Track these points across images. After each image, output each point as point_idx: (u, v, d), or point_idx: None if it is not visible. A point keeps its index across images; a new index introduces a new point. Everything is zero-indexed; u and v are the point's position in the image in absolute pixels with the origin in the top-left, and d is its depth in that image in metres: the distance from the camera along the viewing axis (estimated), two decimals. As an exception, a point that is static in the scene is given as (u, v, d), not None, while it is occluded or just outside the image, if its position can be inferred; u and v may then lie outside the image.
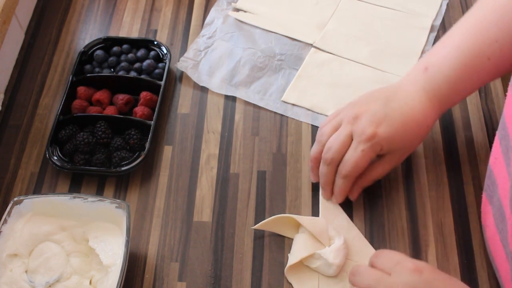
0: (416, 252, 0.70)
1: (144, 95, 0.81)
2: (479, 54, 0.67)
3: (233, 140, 0.80)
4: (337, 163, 0.69)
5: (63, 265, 0.67)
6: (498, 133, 0.63)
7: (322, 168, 0.71)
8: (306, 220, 0.70)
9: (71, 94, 0.83)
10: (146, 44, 0.88)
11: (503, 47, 0.66)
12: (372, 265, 0.62)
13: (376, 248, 0.71)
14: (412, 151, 0.72)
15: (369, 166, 0.70)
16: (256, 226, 0.71)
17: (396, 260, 0.60)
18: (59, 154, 0.77)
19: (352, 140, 0.68)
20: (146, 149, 0.77)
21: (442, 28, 0.91)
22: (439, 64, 0.69)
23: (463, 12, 0.92)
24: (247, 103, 0.83)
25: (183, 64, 0.86)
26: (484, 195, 0.68)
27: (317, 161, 0.72)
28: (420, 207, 0.73)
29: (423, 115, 0.69)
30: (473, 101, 0.82)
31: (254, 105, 0.83)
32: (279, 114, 0.82)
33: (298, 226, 0.71)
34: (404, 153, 0.71)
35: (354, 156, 0.68)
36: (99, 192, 0.76)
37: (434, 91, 0.69)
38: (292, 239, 0.71)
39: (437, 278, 0.58)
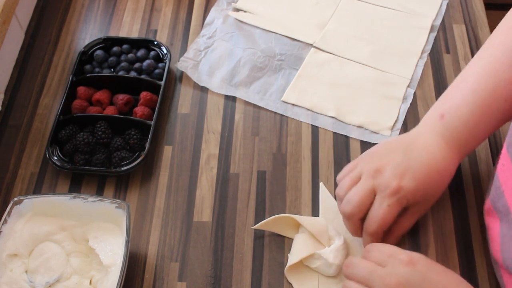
0: (416, 252, 0.70)
1: (144, 95, 0.81)
2: (496, 97, 0.66)
3: (233, 140, 0.80)
4: (358, 217, 0.66)
5: (63, 265, 0.67)
6: (506, 140, 0.63)
7: (345, 223, 0.68)
8: (306, 220, 0.70)
9: (71, 94, 0.83)
10: (146, 44, 0.88)
11: None
12: (365, 258, 0.62)
13: (376, 248, 0.71)
14: (436, 200, 0.69)
15: (395, 222, 0.67)
16: (256, 226, 0.71)
17: (389, 252, 0.59)
18: (59, 154, 0.77)
19: (375, 195, 0.65)
20: (146, 149, 0.77)
21: (442, 28, 0.91)
22: (455, 110, 0.67)
23: (463, 12, 0.92)
24: (247, 103, 0.83)
25: (183, 64, 0.86)
26: (488, 200, 0.67)
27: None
28: (420, 207, 0.73)
29: (443, 163, 0.67)
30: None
31: (254, 105, 0.83)
32: (279, 114, 0.82)
33: (298, 226, 0.71)
34: (428, 203, 0.68)
35: (380, 212, 0.64)
36: (99, 192, 0.76)
37: (453, 137, 0.67)
38: (292, 239, 0.71)
39: (431, 269, 0.57)
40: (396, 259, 0.58)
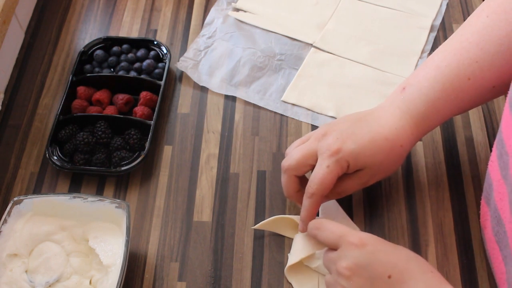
0: (416, 252, 0.70)
1: (144, 95, 0.81)
2: (458, 74, 0.66)
3: (233, 140, 0.80)
4: (294, 173, 0.67)
5: (63, 265, 0.67)
6: (497, 137, 0.63)
7: (282, 177, 0.69)
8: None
9: (71, 94, 0.83)
10: (146, 44, 0.88)
11: (483, 67, 0.65)
12: (315, 236, 0.63)
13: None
14: (388, 173, 0.69)
15: (337, 180, 0.67)
16: (256, 226, 0.71)
17: (340, 233, 0.60)
18: (59, 154, 0.77)
19: (315, 158, 0.66)
20: (146, 149, 0.77)
21: (442, 28, 0.91)
22: (416, 83, 0.67)
23: (463, 12, 0.92)
24: (247, 103, 0.83)
25: (183, 64, 0.86)
26: (482, 197, 0.68)
27: None
28: (420, 207, 0.73)
29: (394, 133, 0.66)
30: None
31: (254, 105, 0.83)
32: (279, 114, 0.82)
33: (298, 226, 0.71)
34: (376, 172, 0.67)
35: (319, 173, 0.65)
36: (99, 192, 0.76)
37: (410, 110, 0.67)
38: (292, 239, 0.71)
39: (380, 249, 0.58)
40: (346, 241, 0.59)
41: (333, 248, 0.61)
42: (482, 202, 0.68)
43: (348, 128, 0.67)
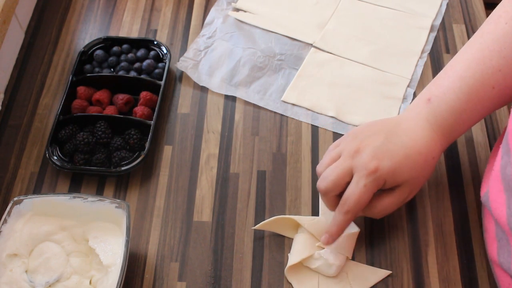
0: (416, 252, 0.70)
1: (144, 95, 0.81)
2: (483, 84, 0.66)
3: (233, 140, 0.80)
4: (333, 194, 0.67)
5: (63, 265, 0.67)
6: (501, 147, 0.63)
7: (321, 198, 0.69)
8: (306, 220, 0.70)
9: (71, 94, 0.83)
10: (146, 44, 0.88)
11: (506, 76, 0.65)
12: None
13: (375, 248, 0.70)
14: (421, 185, 0.69)
15: (377, 197, 0.67)
16: (256, 227, 0.71)
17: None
18: (59, 154, 0.77)
19: (352, 176, 0.66)
20: (146, 149, 0.77)
21: (442, 28, 0.91)
22: (442, 95, 0.67)
23: (463, 12, 0.92)
24: (247, 103, 0.83)
25: (183, 64, 0.86)
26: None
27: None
28: (420, 207, 0.73)
29: (426, 147, 0.67)
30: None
31: (254, 105, 0.83)
32: (279, 114, 0.82)
33: (298, 226, 0.71)
34: (412, 187, 0.67)
35: (355, 192, 0.64)
36: (99, 192, 0.76)
37: (438, 122, 0.67)
38: (292, 239, 0.71)
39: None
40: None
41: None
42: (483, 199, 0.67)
43: (382, 144, 0.66)
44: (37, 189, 0.76)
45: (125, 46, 0.88)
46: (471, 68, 0.66)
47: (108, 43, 0.88)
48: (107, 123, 0.78)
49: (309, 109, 0.82)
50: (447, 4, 0.93)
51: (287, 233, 0.72)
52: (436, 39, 0.90)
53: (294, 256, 0.68)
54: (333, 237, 0.67)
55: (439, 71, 0.86)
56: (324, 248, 0.68)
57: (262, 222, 0.71)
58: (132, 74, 0.85)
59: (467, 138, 0.79)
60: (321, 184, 0.67)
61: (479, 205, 0.73)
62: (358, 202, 0.65)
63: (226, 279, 0.69)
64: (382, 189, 0.66)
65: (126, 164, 0.76)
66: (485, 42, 0.67)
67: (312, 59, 0.87)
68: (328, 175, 0.66)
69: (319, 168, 0.69)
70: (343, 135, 0.79)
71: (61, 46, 0.91)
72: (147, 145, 0.77)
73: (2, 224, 0.66)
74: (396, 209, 0.68)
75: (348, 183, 0.66)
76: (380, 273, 0.69)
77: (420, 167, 0.66)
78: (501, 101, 0.67)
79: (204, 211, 0.74)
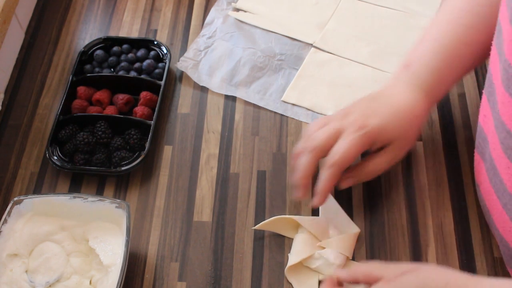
0: (416, 252, 0.70)
1: (144, 95, 0.81)
2: (458, 41, 0.68)
3: (233, 140, 0.80)
4: (319, 153, 0.66)
5: (63, 265, 0.67)
6: (485, 91, 0.65)
7: (302, 158, 0.67)
8: (306, 220, 0.70)
9: (71, 94, 0.83)
10: (146, 44, 0.88)
11: (479, 32, 0.68)
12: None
13: (376, 248, 0.71)
14: (411, 144, 0.70)
15: (367, 158, 0.68)
16: (257, 227, 0.71)
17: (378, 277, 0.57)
18: (59, 154, 0.77)
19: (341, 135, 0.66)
20: (146, 149, 0.77)
21: (442, 28, 0.91)
22: (420, 59, 0.70)
23: (463, 12, 0.92)
24: (247, 103, 0.83)
25: (183, 64, 0.86)
26: (476, 153, 0.69)
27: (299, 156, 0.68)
28: (420, 207, 0.73)
29: (411, 105, 0.68)
30: (473, 102, 0.82)
31: (254, 105, 0.83)
32: (279, 114, 0.82)
33: (298, 226, 0.71)
34: (401, 145, 0.69)
35: (342, 145, 0.65)
36: (99, 192, 0.76)
37: (419, 83, 0.69)
38: (292, 239, 0.71)
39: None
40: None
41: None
42: (476, 157, 0.69)
43: (369, 105, 0.68)
44: (37, 189, 0.76)
45: (125, 46, 0.88)
46: (444, 28, 0.69)
47: (108, 43, 0.88)
48: (107, 123, 0.78)
49: (309, 109, 0.82)
50: (447, 4, 0.93)
51: (287, 233, 0.72)
52: (436, 39, 0.90)
53: (294, 256, 0.68)
54: (320, 195, 0.67)
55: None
56: (324, 248, 0.68)
57: (262, 222, 0.71)
58: (132, 74, 0.85)
59: (467, 138, 0.79)
60: (311, 142, 0.67)
61: (479, 205, 0.73)
62: (344, 154, 0.65)
63: (226, 279, 0.69)
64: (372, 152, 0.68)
65: (126, 164, 0.76)
66: (455, 4, 0.69)
67: (312, 59, 0.87)
68: (317, 135, 0.67)
69: (307, 131, 0.69)
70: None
71: (61, 46, 0.91)
72: (147, 145, 0.77)
73: (2, 224, 0.66)
74: (385, 170, 0.69)
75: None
76: (380, 273, 0.69)
77: (408, 125, 0.68)
78: (478, 57, 0.70)
79: (204, 211, 0.74)
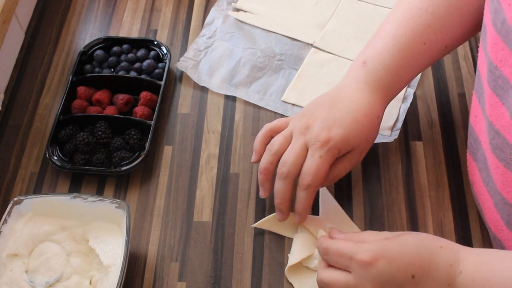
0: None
1: (144, 95, 0.81)
2: (415, 40, 0.69)
3: (233, 140, 0.80)
4: (293, 177, 0.67)
5: (63, 265, 0.67)
6: (475, 92, 0.65)
7: (278, 185, 0.68)
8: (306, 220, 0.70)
9: (71, 94, 0.83)
10: (146, 44, 0.88)
11: (435, 31, 0.69)
12: (327, 262, 0.62)
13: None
14: (370, 145, 0.71)
15: (332, 165, 0.68)
16: (256, 224, 0.71)
17: (348, 256, 0.59)
18: (59, 154, 0.77)
19: (308, 151, 0.67)
20: (146, 149, 0.77)
21: (442, 28, 0.91)
22: (377, 56, 0.70)
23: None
24: (247, 103, 0.83)
25: (183, 64, 0.86)
26: (468, 153, 0.69)
27: (268, 172, 0.69)
28: (420, 207, 0.73)
29: (370, 108, 0.69)
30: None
31: (254, 105, 0.83)
32: (279, 114, 0.82)
33: (297, 225, 0.71)
34: (363, 149, 0.70)
35: (313, 165, 0.66)
36: (99, 192, 0.76)
37: (376, 82, 0.70)
38: (292, 239, 0.71)
39: (392, 257, 0.57)
40: (358, 263, 0.58)
41: (345, 269, 0.60)
42: (468, 158, 0.69)
43: (329, 114, 0.68)
44: (37, 189, 0.76)
45: (125, 46, 0.88)
46: (402, 26, 0.69)
47: (108, 43, 0.88)
48: (107, 123, 0.78)
49: (309, 109, 0.82)
50: (447, 4, 0.93)
51: (287, 233, 0.72)
52: (436, 39, 0.89)
53: (294, 256, 0.68)
54: (301, 215, 0.68)
55: (439, 71, 0.86)
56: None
57: (262, 219, 0.71)
58: (132, 74, 0.85)
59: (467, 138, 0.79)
60: (283, 169, 0.67)
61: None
62: (317, 174, 0.66)
63: (226, 279, 0.69)
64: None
65: (126, 164, 0.76)
66: (413, 1, 0.70)
67: (312, 59, 0.87)
68: (287, 158, 0.67)
69: (271, 146, 0.69)
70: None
71: (61, 46, 0.91)
72: (147, 145, 0.77)
73: (2, 224, 0.66)
74: (347, 172, 0.70)
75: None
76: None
77: (368, 129, 0.69)
78: (434, 55, 0.71)
79: (204, 211, 0.74)
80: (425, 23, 0.69)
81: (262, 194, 0.70)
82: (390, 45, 0.69)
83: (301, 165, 0.67)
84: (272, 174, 0.69)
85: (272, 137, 0.70)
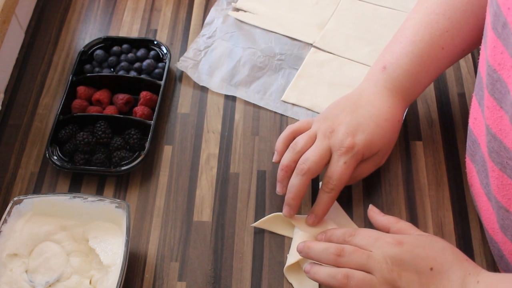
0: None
1: (144, 94, 0.81)
2: (433, 45, 0.70)
3: (233, 140, 0.80)
4: (312, 175, 0.68)
5: (63, 265, 0.67)
6: (475, 95, 0.66)
7: (295, 180, 0.68)
8: (305, 219, 0.70)
9: (71, 94, 0.83)
10: (146, 44, 0.88)
11: (453, 36, 0.70)
12: (349, 243, 0.63)
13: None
14: (392, 148, 0.73)
15: (356, 168, 0.70)
16: (256, 224, 0.71)
17: (375, 237, 0.61)
18: (59, 153, 0.77)
19: (331, 154, 0.69)
20: (146, 149, 0.77)
21: (442, 28, 0.91)
22: (396, 61, 0.72)
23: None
24: (247, 102, 0.83)
25: (183, 64, 0.86)
26: (466, 156, 0.70)
27: (289, 169, 0.69)
28: (420, 207, 0.73)
29: (391, 112, 0.71)
30: (473, 101, 0.82)
31: (254, 105, 0.83)
32: (279, 113, 0.82)
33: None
34: (385, 152, 0.72)
35: (337, 170, 0.68)
36: (99, 191, 0.76)
37: (395, 87, 0.72)
38: (292, 239, 0.71)
39: (417, 245, 0.60)
40: (383, 242, 0.60)
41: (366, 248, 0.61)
42: (467, 160, 0.70)
43: (352, 119, 0.70)
44: (37, 189, 0.76)
45: (125, 46, 0.88)
46: (420, 32, 0.71)
47: (108, 43, 0.88)
48: (107, 123, 0.78)
49: (309, 109, 0.82)
50: (447, 4, 0.93)
51: (286, 232, 0.72)
52: (436, 39, 0.89)
53: (292, 256, 0.68)
54: (318, 217, 0.69)
55: (439, 71, 0.86)
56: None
57: (262, 219, 0.71)
58: (132, 74, 0.85)
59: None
60: (303, 165, 0.68)
61: (479, 205, 0.73)
62: (341, 179, 0.68)
63: (226, 279, 0.69)
64: None
65: (126, 164, 0.76)
66: (430, 7, 0.71)
67: (312, 59, 0.87)
68: (309, 155, 0.68)
69: (294, 144, 0.70)
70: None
71: (61, 46, 0.91)
72: (147, 145, 0.77)
73: (2, 224, 0.66)
74: (370, 173, 0.72)
75: (327, 164, 0.69)
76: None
77: (390, 133, 0.71)
78: (452, 59, 0.73)
79: (204, 211, 0.74)
80: (443, 28, 0.70)
81: (280, 190, 0.71)
82: (409, 51, 0.71)
83: (322, 166, 0.69)
84: (292, 171, 0.70)
85: (295, 138, 0.72)
